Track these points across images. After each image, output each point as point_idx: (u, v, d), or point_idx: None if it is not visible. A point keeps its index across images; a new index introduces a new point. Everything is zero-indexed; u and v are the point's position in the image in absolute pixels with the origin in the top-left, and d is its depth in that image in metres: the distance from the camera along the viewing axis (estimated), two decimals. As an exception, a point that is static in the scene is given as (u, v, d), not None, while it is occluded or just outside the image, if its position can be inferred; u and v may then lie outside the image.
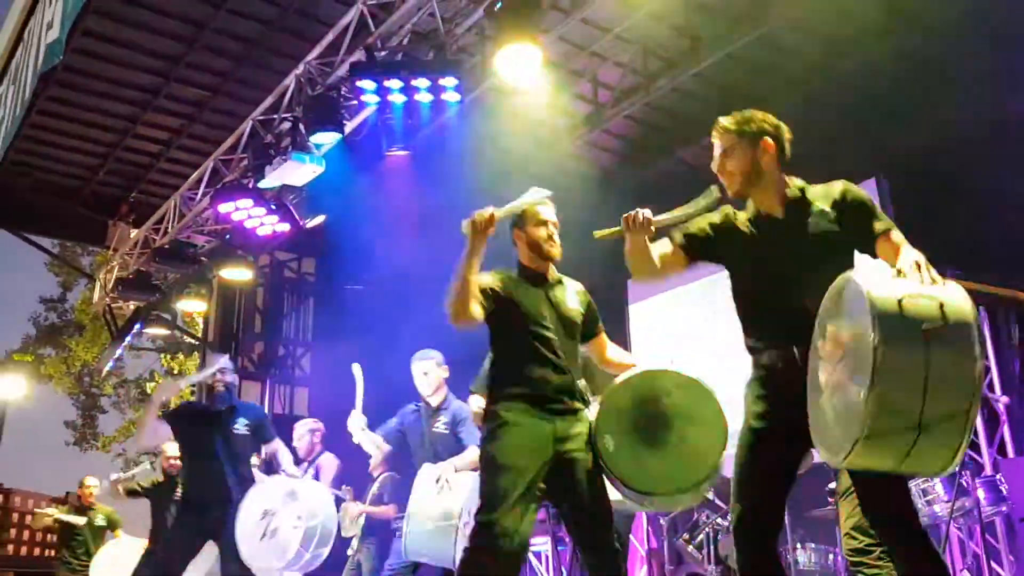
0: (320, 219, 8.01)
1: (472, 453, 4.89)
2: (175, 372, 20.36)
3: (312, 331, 11.69)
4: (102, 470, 23.26)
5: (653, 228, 3.04)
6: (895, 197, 7.76)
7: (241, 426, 5.76)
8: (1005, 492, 5.44)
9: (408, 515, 4.68)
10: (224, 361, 5.97)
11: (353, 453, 7.04)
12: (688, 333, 9.43)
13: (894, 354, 2.06)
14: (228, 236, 8.56)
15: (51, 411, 30.83)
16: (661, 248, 3.08)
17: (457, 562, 3.55)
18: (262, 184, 7.15)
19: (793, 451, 2.80)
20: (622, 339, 9.47)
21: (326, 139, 6.49)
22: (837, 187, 2.86)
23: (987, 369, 6.31)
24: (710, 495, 7.01)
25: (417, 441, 5.33)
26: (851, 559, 3.93)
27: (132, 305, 10.00)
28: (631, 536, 6.66)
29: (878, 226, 2.73)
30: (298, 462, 6.76)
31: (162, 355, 21.00)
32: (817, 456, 2.64)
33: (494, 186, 9.02)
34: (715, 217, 3.05)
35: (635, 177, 9.21)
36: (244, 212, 7.62)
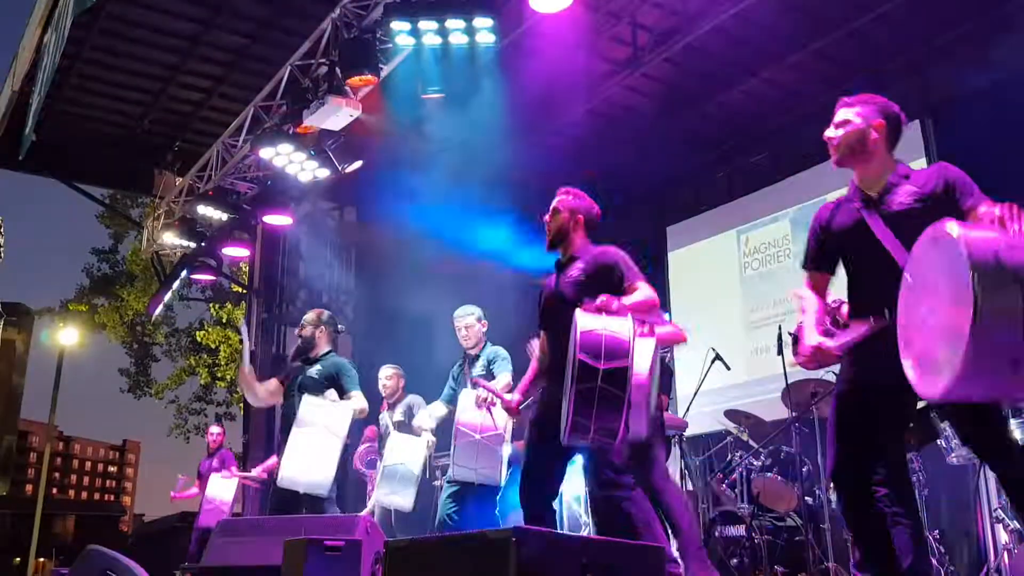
0: (358, 164, 8.06)
1: (504, 379, 5.37)
2: (223, 321, 20.75)
3: (355, 279, 11.84)
4: (155, 416, 23.92)
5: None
6: (939, 139, 7.66)
7: (314, 372, 5.72)
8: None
9: (455, 433, 5.03)
10: (305, 317, 6.04)
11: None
12: (724, 281, 9.42)
13: (992, 291, 2.18)
14: (269, 183, 8.67)
15: (105, 360, 31.62)
16: (806, 283, 3.24)
17: None
18: (300, 129, 7.23)
19: (889, 406, 2.95)
20: (662, 286, 9.49)
21: (362, 83, 6.53)
22: (934, 169, 3.03)
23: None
24: (745, 436, 7.09)
25: (463, 390, 5.62)
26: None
27: (179, 252, 10.21)
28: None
29: (970, 201, 2.86)
30: (384, 405, 7.09)
31: (211, 304, 21.43)
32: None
33: (530, 131, 9.07)
34: (821, 216, 3.23)
35: (675, 122, 9.13)
36: (284, 158, 7.70)
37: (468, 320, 5.78)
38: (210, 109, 9.89)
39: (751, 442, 6.98)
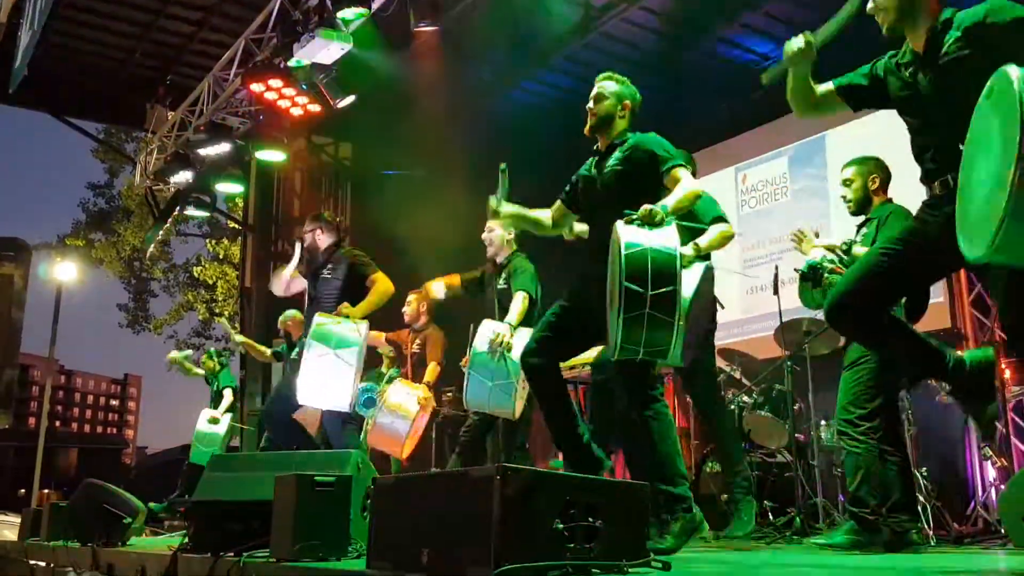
0: (350, 99, 7.96)
1: (518, 302, 5.20)
2: (220, 257, 20.74)
3: (350, 215, 11.78)
4: (156, 351, 24.05)
5: (815, 52, 3.08)
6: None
7: (327, 272, 5.50)
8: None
9: (469, 368, 5.00)
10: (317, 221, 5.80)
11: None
12: (728, 217, 9.37)
13: None
14: (262, 117, 8.58)
15: (104, 295, 31.70)
16: (824, 87, 3.17)
17: None
18: (291, 63, 7.12)
19: (931, 263, 2.93)
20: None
21: (353, 15, 6.41)
22: (980, 9, 2.79)
23: None
24: (737, 374, 7.12)
25: (488, 302, 5.63)
26: (839, 429, 4.05)
27: (173, 187, 10.15)
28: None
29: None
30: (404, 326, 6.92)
31: (207, 240, 21.41)
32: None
33: (527, 65, 8.96)
34: (867, 69, 3.11)
35: (675, 57, 9.00)
36: (275, 92, 7.61)
37: (490, 224, 5.55)
38: (201, 42, 9.75)
39: (744, 380, 7.02)
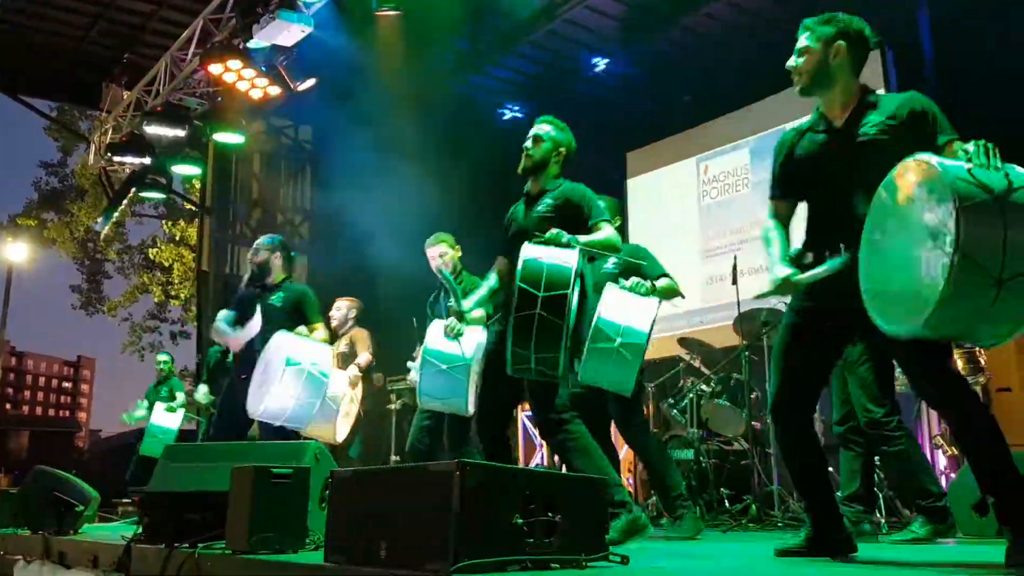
0: (311, 82, 7.85)
1: (479, 313, 5.10)
2: (176, 238, 20.45)
3: (311, 199, 11.68)
4: (110, 333, 23.71)
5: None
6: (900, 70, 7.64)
7: (276, 300, 5.57)
8: (984, 363, 5.56)
9: (421, 361, 4.96)
10: (258, 242, 5.84)
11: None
12: (683, 209, 9.43)
13: (972, 212, 2.18)
14: (220, 99, 8.43)
15: (57, 276, 31.14)
16: (780, 219, 3.15)
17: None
18: (251, 44, 7.00)
19: (833, 342, 2.99)
20: (622, 213, 9.46)
21: (315, -3, 6.33)
22: (902, 97, 2.89)
23: None
24: (696, 363, 7.19)
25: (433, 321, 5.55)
26: (870, 432, 4.08)
27: (128, 168, 9.96)
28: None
29: (941, 138, 2.75)
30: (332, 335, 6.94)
31: (163, 221, 21.09)
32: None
33: (489, 51, 8.92)
34: (785, 143, 3.13)
35: (639, 45, 9.00)
36: (234, 74, 7.48)
37: (441, 248, 5.57)
38: (159, 21, 9.53)
39: (703, 369, 7.09)
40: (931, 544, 3.88)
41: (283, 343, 5.10)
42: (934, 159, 2.36)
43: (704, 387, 6.61)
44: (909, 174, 2.44)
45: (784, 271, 2.85)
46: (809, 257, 2.96)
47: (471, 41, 8.36)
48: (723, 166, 9.16)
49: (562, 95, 8.92)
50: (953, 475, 5.56)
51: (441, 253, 5.54)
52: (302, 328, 5.35)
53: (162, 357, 9.56)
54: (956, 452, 5.67)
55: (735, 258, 6.59)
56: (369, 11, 6.59)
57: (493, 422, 3.93)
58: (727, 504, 6.15)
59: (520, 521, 2.25)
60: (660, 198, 9.72)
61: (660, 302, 4.40)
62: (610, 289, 4.30)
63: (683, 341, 7.42)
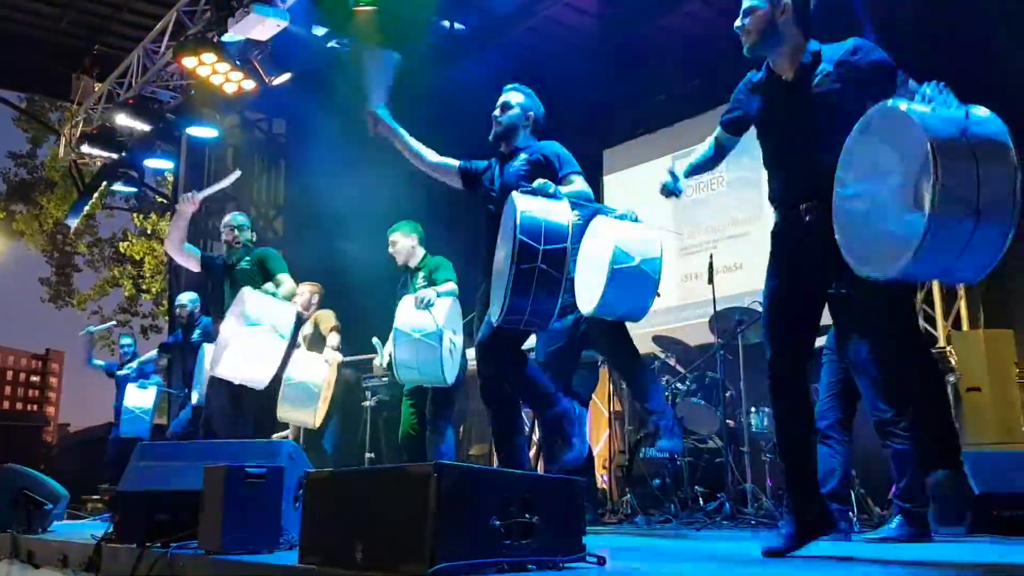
0: (286, 77, 7.78)
1: (448, 286, 5.42)
2: (148, 232, 20.23)
3: (284, 193, 11.59)
4: (79, 326, 23.45)
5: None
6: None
7: (244, 263, 5.75)
8: (954, 363, 5.62)
9: (394, 333, 5.07)
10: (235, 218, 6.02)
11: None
12: (659, 205, 9.42)
13: (945, 150, 2.25)
14: (193, 92, 8.33)
15: (25, 268, 30.77)
16: (711, 140, 3.40)
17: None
18: (225, 38, 6.93)
19: (815, 294, 3.01)
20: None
21: (291, -10, 6.27)
22: (847, 45, 2.94)
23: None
24: (671, 360, 7.21)
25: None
26: (882, 430, 4.10)
27: (98, 161, 9.83)
28: (594, 398, 6.87)
29: (893, 81, 2.81)
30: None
31: (134, 214, 20.84)
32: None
33: (466, 49, 8.88)
34: (739, 91, 3.21)
35: (616, 43, 9.00)
36: (208, 67, 7.40)
37: (392, 238, 5.85)
38: (131, 12, 9.44)
39: (678, 367, 7.11)
40: (907, 543, 3.90)
41: (248, 300, 5.13)
42: (902, 103, 2.42)
43: (679, 385, 6.63)
44: (874, 122, 2.49)
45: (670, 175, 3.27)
46: (779, 215, 3.04)
47: (448, 36, 8.32)
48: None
49: (539, 91, 8.89)
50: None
51: (392, 242, 5.83)
52: (269, 285, 5.47)
53: (126, 340, 9.52)
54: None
55: (711, 257, 6.62)
56: (346, 6, 6.54)
57: (494, 386, 3.93)
58: (701, 502, 6.18)
59: (497, 523, 2.24)
60: (636, 195, 9.70)
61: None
62: (602, 220, 4.29)
63: (658, 339, 7.44)
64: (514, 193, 3.46)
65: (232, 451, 3.63)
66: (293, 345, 5.60)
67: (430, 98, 9.19)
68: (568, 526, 2.42)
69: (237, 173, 5.94)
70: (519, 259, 3.26)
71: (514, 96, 4.11)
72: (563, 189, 3.68)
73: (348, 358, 7.40)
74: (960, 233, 2.27)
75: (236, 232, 5.88)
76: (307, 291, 7.19)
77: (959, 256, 2.31)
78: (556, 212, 3.41)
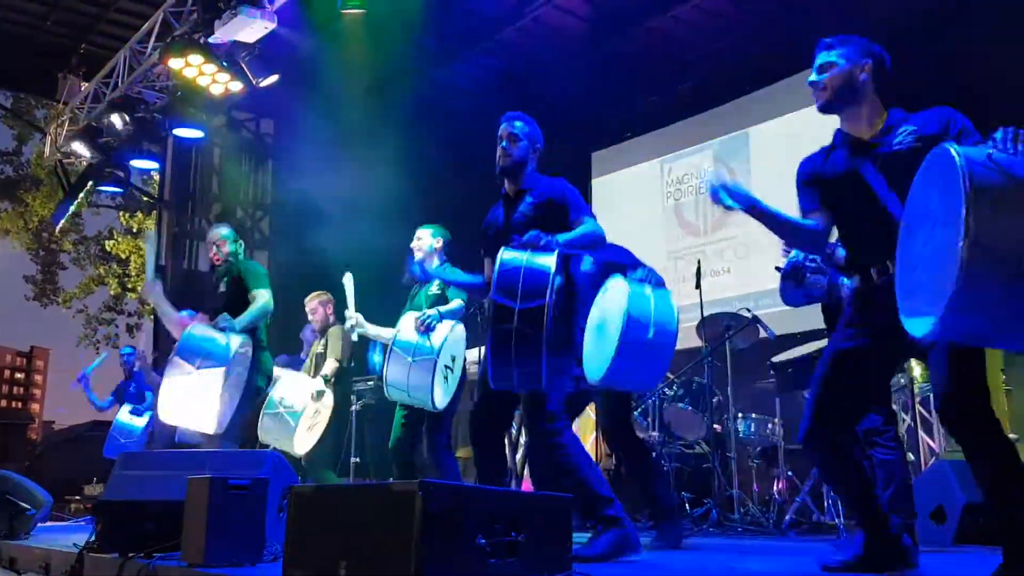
0: (273, 79, 7.73)
1: (456, 304, 5.17)
2: (134, 230, 20.11)
3: (272, 193, 11.54)
4: (64, 324, 23.27)
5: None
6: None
7: (223, 286, 5.38)
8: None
9: (389, 352, 4.92)
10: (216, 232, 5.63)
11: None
12: (647, 210, 9.44)
13: (988, 200, 2.05)
14: (180, 93, 8.27)
15: (10, 266, 30.53)
16: (812, 220, 3.05)
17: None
18: (212, 40, 6.87)
19: (880, 361, 2.90)
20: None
21: (278, -7, 6.23)
22: (935, 110, 2.86)
23: None
24: (659, 367, 7.20)
25: (417, 308, 5.45)
26: (869, 438, 4.06)
27: (84, 161, 9.76)
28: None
29: (973, 139, 2.69)
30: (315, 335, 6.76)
31: (120, 213, 20.72)
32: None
33: (459, 48, 8.85)
34: (814, 163, 3.07)
35: (604, 46, 8.99)
36: (195, 69, 7.34)
37: (420, 232, 5.45)
38: (117, 11, 9.36)
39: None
40: None
41: (184, 339, 4.84)
42: (954, 146, 2.23)
43: (666, 390, 6.63)
44: (932, 166, 2.34)
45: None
46: (856, 280, 2.91)
47: (437, 38, 8.29)
48: (687, 168, 9.19)
49: (527, 93, 8.88)
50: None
51: (419, 236, 5.43)
52: (221, 318, 5.00)
53: (127, 351, 9.17)
54: (912, 457, 5.76)
55: (699, 262, 6.62)
56: (334, 9, 6.50)
57: (484, 434, 3.81)
58: (688, 508, 6.18)
59: (483, 541, 2.22)
60: (625, 198, 9.73)
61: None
62: (617, 282, 4.12)
63: (645, 344, 7.43)
64: (502, 249, 3.30)
65: (216, 462, 3.60)
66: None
67: (417, 99, 9.18)
68: (555, 544, 2.40)
69: (153, 233, 5.59)
70: (494, 320, 3.13)
71: (520, 125, 3.83)
72: (566, 236, 3.46)
73: (357, 381, 7.25)
74: (1002, 294, 2.03)
75: (216, 249, 5.48)
76: (319, 307, 6.66)
77: (1004, 322, 2.08)
78: (539, 264, 3.22)
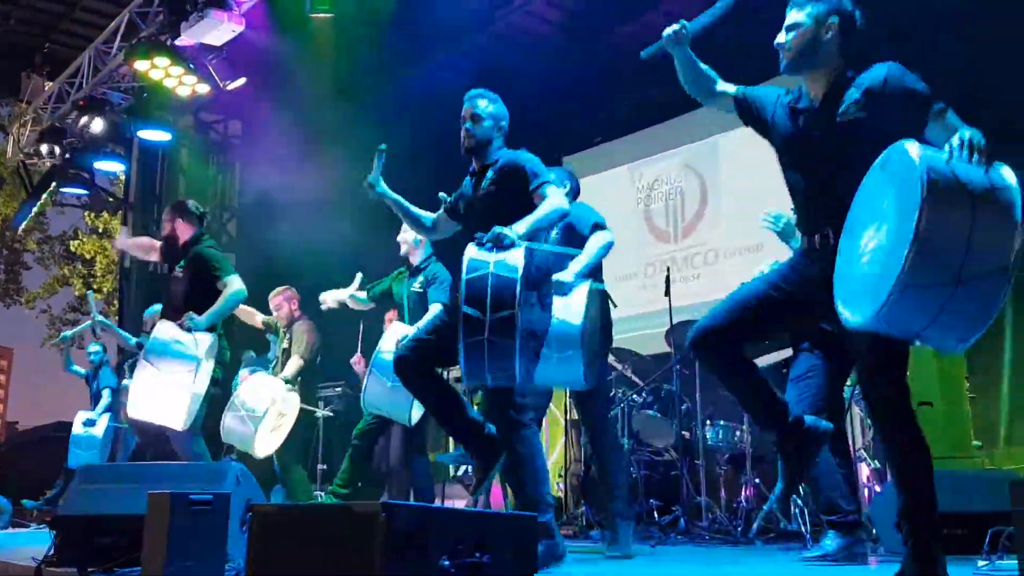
0: (241, 82, 7.65)
1: (434, 307, 4.99)
2: (100, 231, 19.85)
3: (239, 195, 11.43)
4: (28, 323, 22.91)
5: (687, 37, 3.17)
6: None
7: (179, 269, 5.02)
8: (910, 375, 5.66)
9: (369, 371, 4.87)
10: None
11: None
12: (619, 213, 9.44)
13: (940, 206, 2.12)
14: (146, 95, 8.16)
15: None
16: (726, 87, 3.19)
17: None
18: (179, 42, 6.78)
19: (796, 317, 2.99)
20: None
21: (246, -5, 6.16)
22: (879, 72, 2.79)
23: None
24: (628, 372, 7.21)
25: (401, 303, 5.46)
26: None
27: (47, 161, 9.60)
28: (551, 405, 6.83)
29: (936, 105, 2.69)
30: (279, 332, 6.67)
31: (85, 212, 20.45)
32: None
33: (422, 54, 8.81)
34: (771, 94, 3.06)
35: (575, 51, 8.99)
36: (161, 71, 7.24)
37: (406, 236, 5.43)
38: (83, 10, 9.21)
39: (634, 378, 7.11)
40: (853, 563, 3.92)
41: (155, 332, 4.72)
42: (915, 147, 2.28)
43: (636, 397, 6.64)
44: (891, 160, 2.37)
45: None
46: (803, 240, 2.91)
47: (408, 41, 8.25)
48: (656, 173, 9.21)
49: (499, 96, 8.86)
50: (878, 488, 5.66)
51: (405, 228, 5.34)
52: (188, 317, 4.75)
53: (93, 348, 8.93)
54: (879, 464, 5.79)
55: (668, 269, 6.64)
56: (302, 12, 6.43)
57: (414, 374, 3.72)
58: (656, 516, 6.18)
59: (447, 563, 2.19)
60: (596, 204, 9.68)
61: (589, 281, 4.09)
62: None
63: (615, 351, 7.43)
64: (468, 247, 3.27)
65: (177, 474, 3.54)
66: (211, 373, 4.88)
67: (386, 101, 9.13)
68: (520, 564, 2.38)
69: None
70: (465, 332, 3.10)
71: (483, 104, 3.85)
72: (527, 223, 3.40)
73: (325, 387, 7.22)
74: (934, 300, 2.15)
75: (168, 225, 5.14)
76: (284, 302, 6.58)
77: (932, 322, 2.19)
78: (507, 266, 3.18)
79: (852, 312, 2.37)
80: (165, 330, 4.68)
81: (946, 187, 2.16)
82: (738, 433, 6.34)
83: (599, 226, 4.62)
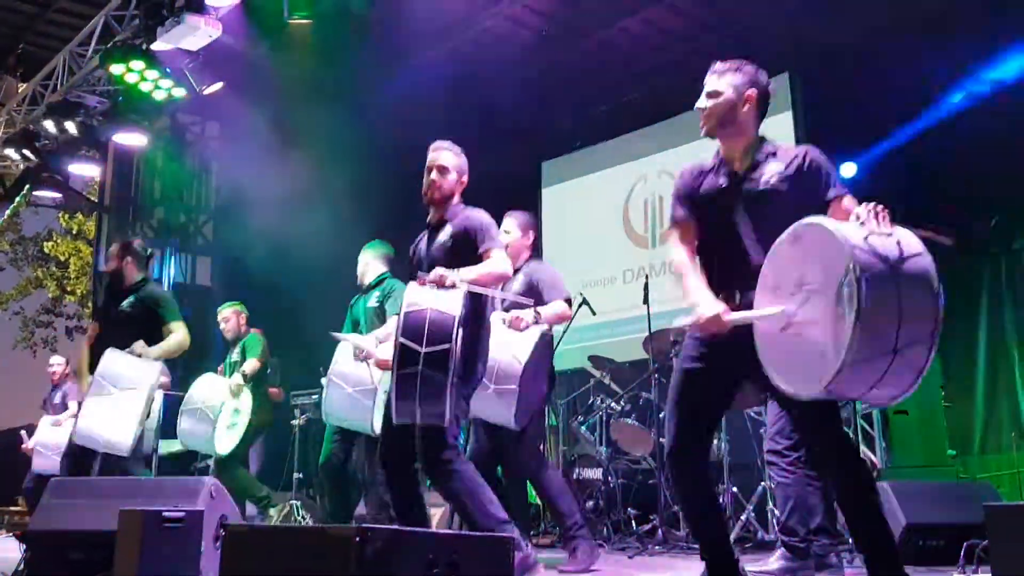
0: (218, 86, 7.58)
1: (391, 325, 4.93)
2: (74, 232, 19.64)
3: (215, 198, 11.34)
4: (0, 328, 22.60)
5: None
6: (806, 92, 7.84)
7: (126, 305, 5.03)
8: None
9: (328, 381, 4.86)
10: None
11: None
12: (600, 219, 9.46)
13: (874, 284, 2.26)
14: (121, 98, 8.07)
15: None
16: (677, 238, 3.08)
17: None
18: (155, 47, 6.70)
19: (724, 390, 3.03)
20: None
21: (223, 1, 6.09)
22: (800, 150, 2.97)
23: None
24: (607, 380, 7.22)
25: (358, 319, 5.45)
26: (768, 460, 4.09)
27: (21, 164, 9.48)
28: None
29: (831, 192, 2.86)
30: (229, 346, 6.85)
31: (60, 214, 20.21)
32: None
33: (401, 59, 8.78)
34: (693, 173, 3.09)
35: (554, 57, 8.98)
36: (137, 74, 7.16)
37: (364, 257, 5.52)
38: (58, 12, 9.09)
39: (612, 386, 7.11)
40: None
41: (103, 361, 4.73)
42: (830, 224, 2.44)
43: (614, 405, 6.64)
44: (806, 236, 2.50)
45: (714, 307, 2.75)
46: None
47: (386, 46, 8.22)
48: (635, 178, 9.23)
49: (477, 103, 8.85)
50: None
51: (363, 262, 5.50)
52: (137, 345, 4.84)
53: (55, 360, 8.85)
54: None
55: (646, 277, 6.64)
56: (280, 17, 6.38)
57: (396, 469, 3.71)
58: (634, 525, 6.18)
59: (422, 586, 2.17)
60: (575, 208, 9.74)
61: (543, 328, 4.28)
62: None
63: (594, 359, 7.44)
64: (409, 286, 3.36)
65: (150, 490, 3.50)
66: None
67: (365, 105, 9.10)
68: (495, 584, 2.36)
69: None
70: (399, 363, 3.14)
71: (448, 158, 3.84)
72: (471, 272, 3.48)
73: (300, 395, 7.25)
74: (875, 370, 2.30)
75: (116, 262, 5.18)
76: (231, 315, 6.82)
77: (871, 388, 2.36)
78: (446, 306, 3.23)
79: (792, 386, 2.52)
80: (116, 357, 4.72)
81: (872, 263, 2.31)
82: (715, 442, 6.34)
83: (565, 300, 4.72)
